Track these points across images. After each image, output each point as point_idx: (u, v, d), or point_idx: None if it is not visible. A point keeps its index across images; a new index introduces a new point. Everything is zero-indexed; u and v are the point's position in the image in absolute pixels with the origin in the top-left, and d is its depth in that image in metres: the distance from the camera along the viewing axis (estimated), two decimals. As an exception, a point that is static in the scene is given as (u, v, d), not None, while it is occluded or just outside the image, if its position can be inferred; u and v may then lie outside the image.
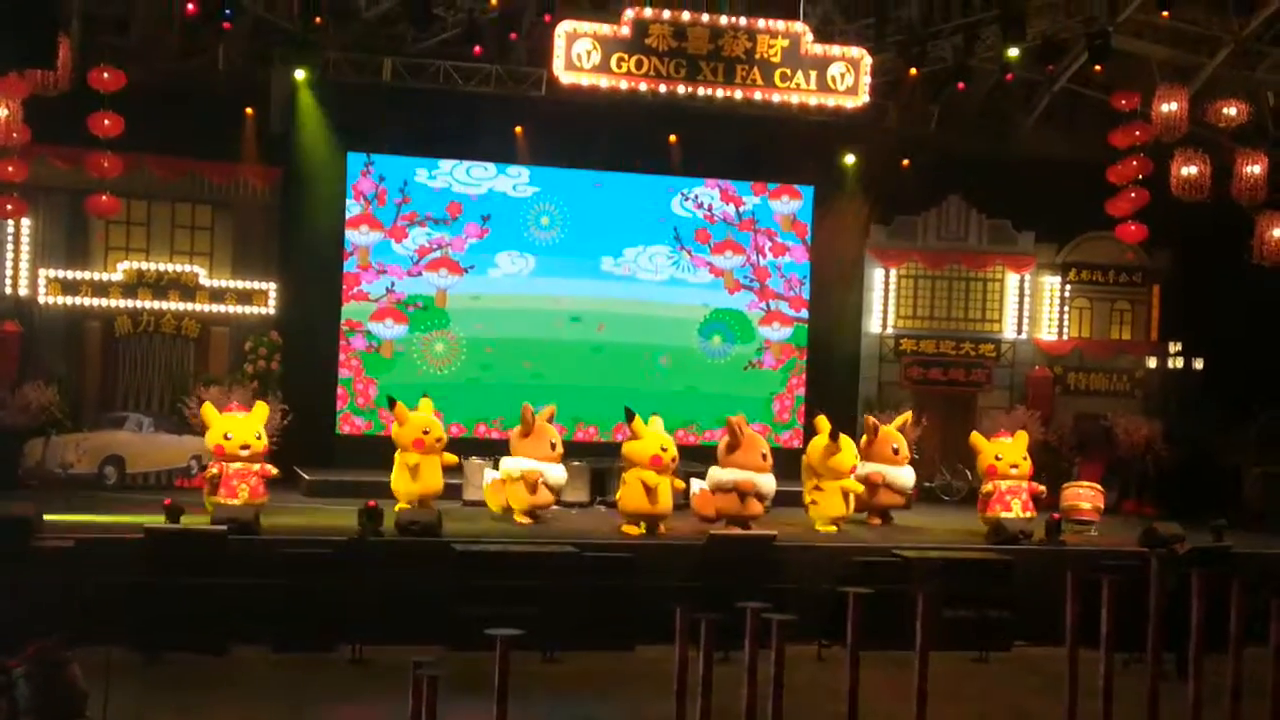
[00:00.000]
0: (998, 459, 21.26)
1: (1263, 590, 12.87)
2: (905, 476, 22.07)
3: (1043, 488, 21.61)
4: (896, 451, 21.87)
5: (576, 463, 22.50)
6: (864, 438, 22.00)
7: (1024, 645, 17.92)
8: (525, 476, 20.12)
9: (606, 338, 27.63)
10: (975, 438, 22.06)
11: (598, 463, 23.42)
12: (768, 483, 20.30)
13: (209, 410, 19.65)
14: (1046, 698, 13.08)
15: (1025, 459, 21.43)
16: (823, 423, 21.23)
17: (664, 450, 19.91)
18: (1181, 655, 13.18)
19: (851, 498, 21.21)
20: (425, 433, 20.25)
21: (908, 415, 23.61)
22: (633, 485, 19.80)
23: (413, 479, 20.06)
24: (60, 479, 22.12)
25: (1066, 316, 29.19)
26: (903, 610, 12.22)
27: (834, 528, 20.82)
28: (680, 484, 20.54)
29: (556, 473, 20.54)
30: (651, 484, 19.56)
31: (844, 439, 21.23)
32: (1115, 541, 21.02)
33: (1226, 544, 18.68)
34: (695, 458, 22.88)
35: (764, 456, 20.49)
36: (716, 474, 20.40)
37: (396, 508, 19.37)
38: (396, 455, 20.49)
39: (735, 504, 20.04)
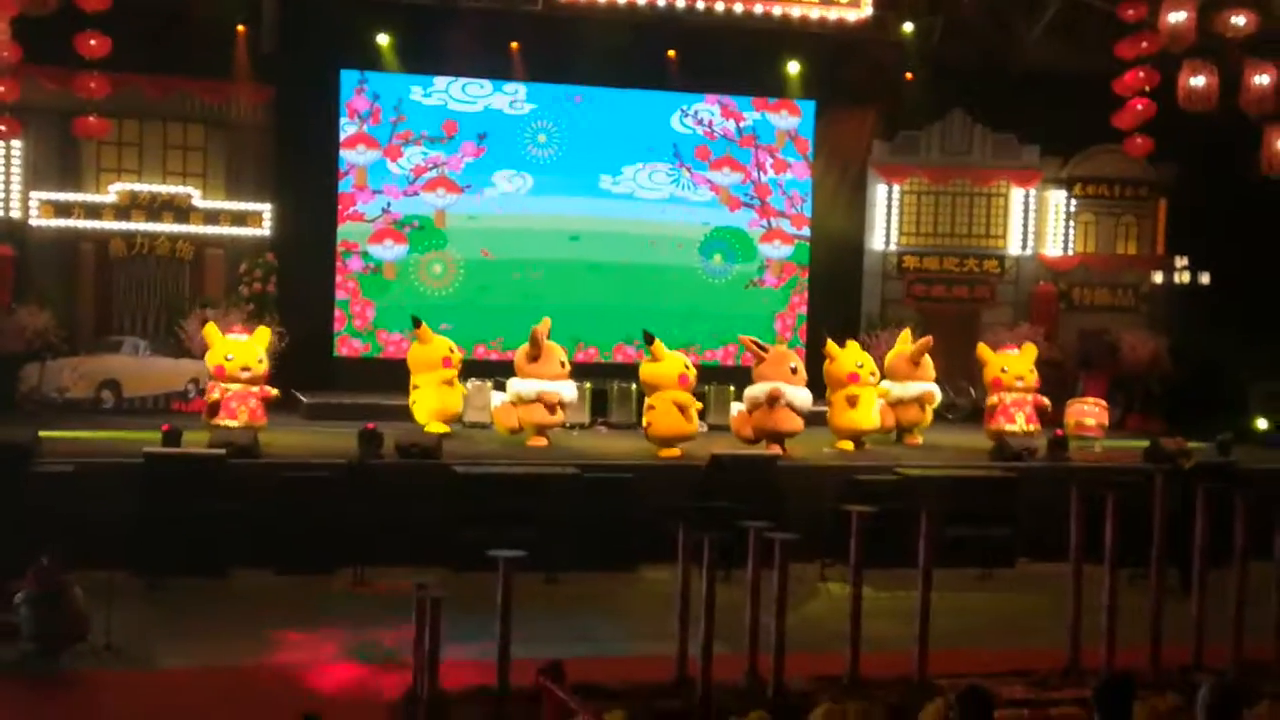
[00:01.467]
0: (1004, 371, 21.14)
1: (1267, 504, 12.82)
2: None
3: (1047, 401, 21.47)
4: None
5: (577, 383, 22.35)
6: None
7: (1028, 562, 17.87)
8: (543, 397, 19.96)
9: (605, 257, 27.39)
10: (982, 349, 21.94)
11: (598, 383, 23.30)
12: (800, 394, 19.98)
13: (212, 330, 19.50)
14: (1050, 614, 13.03)
15: (1032, 372, 21.29)
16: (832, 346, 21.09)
17: (687, 368, 19.70)
18: (1185, 570, 13.15)
19: (874, 406, 20.90)
20: (452, 350, 20.27)
21: (906, 333, 23.27)
22: (664, 408, 19.42)
23: (438, 401, 19.95)
24: (57, 403, 22.07)
25: (1072, 231, 28.96)
26: (906, 529, 12.13)
27: (850, 444, 20.66)
28: (699, 404, 20.32)
29: (568, 392, 20.43)
30: (684, 404, 19.38)
31: (851, 344, 21.13)
32: (1119, 457, 20.95)
33: (1231, 458, 18.60)
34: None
35: (793, 370, 20.20)
36: (751, 391, 20.09)
37: (429, 427, 19.25)
38: (420, 377, 20.32)
39: (770, 418, 19.73)
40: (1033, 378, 21.26)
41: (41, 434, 17.06)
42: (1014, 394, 21.02)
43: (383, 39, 25.45)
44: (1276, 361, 25.16)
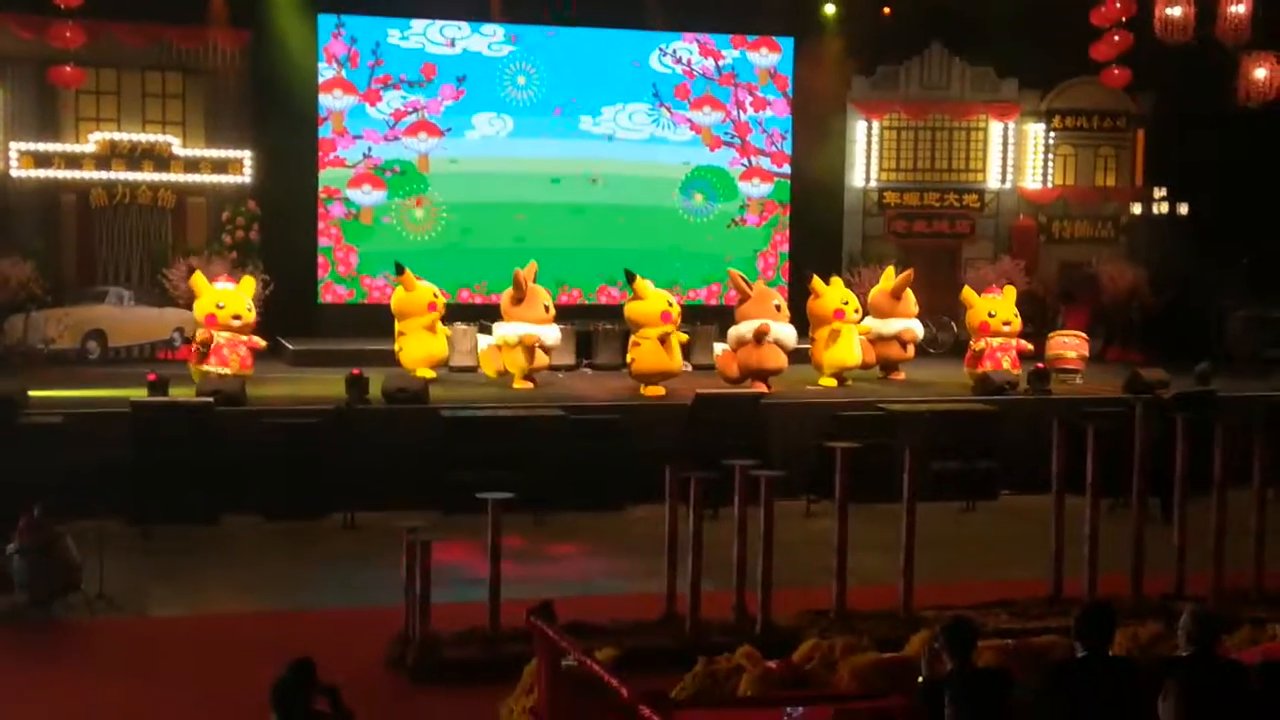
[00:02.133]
0: (990, 315, 21.11)
1: (1246, 432, 12.99)
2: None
3: (1030, 345, 21.56)
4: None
5: (561, 326, 22.40)
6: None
7: (1010, 494, 18.05)
8: (524, 340, 20.02)
9: (588, 198, 27.36)
10: (967, 293, 21.89)
11: (582, 325, 23.33)
12: (786, 331, 19.95)
13: (200, 279, 19.55)
14: (1034, 544, 13.21)
15: (1016, 315, 21.35)
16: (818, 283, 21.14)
17: (670, 305, 19.71)
18: (1166, 499, 13.33)
19: (855, 341, 20.94)
20: (436, 295, 20.25)
21: (890, 270, 23.28)
22: (647, 345, 19.44)
23: (423, 347, 19.99)
24: (43, 355, 22.05)
25: (1051, 164, 29.01)
26: (889, 463, 12.29)
27: (834, 381, 20.77)
28: (685, 336, 20.35)
29: (553, 335, 20.47)
30: (668, 338, 19.40)
31: (835, 281, 21.21)
32: (1100, 389, 21.09)
33: (1211, 388, 18.75)
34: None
35: (778, 307, 20.19)
36: (735, 330, 20.07)
37: (419, 372, 19.31)
38: (404, 324, 20.30)
39: (755, 355, 19.65)
40: (1017, 322, 21.32)
41: (30, 392, 17.03)
42: (999, 339, 21.05)
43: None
44: (1255, 289, 25.35)
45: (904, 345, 21.99)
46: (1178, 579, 12.29)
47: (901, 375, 22.22)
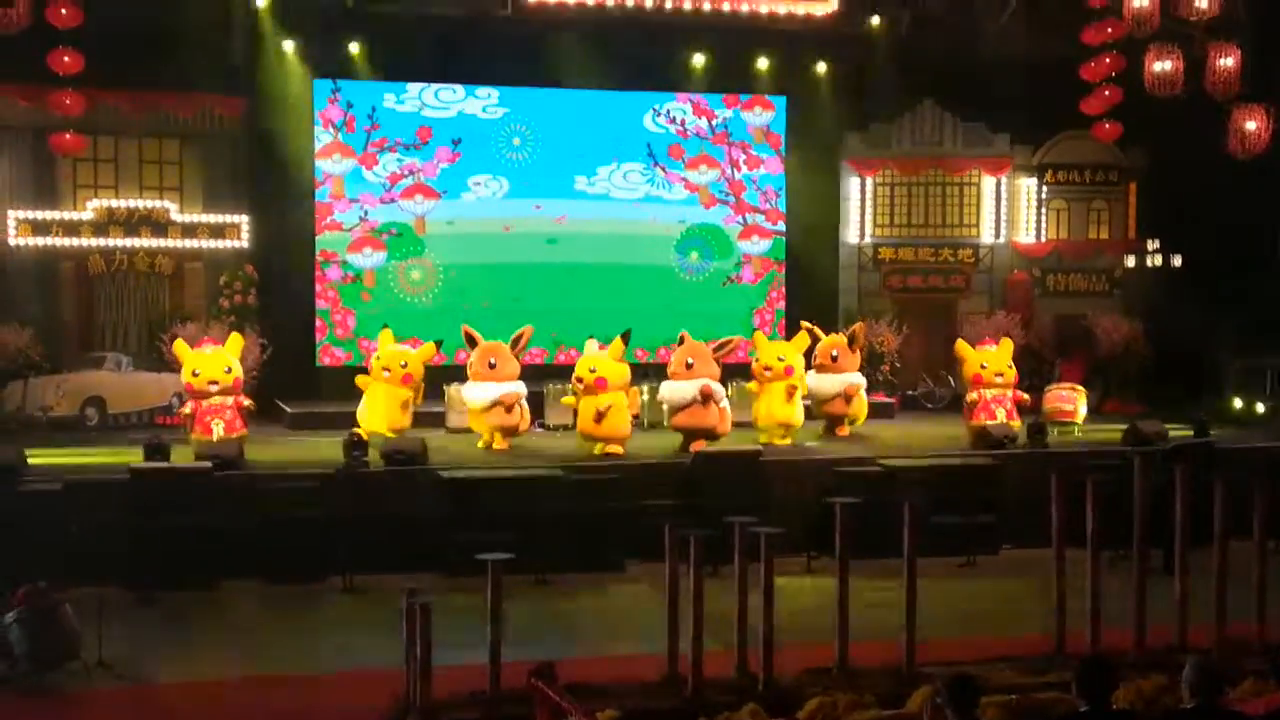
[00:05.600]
0: (983, 367, 21.18)
1: (1244, 483, 12.98)
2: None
3: (1026, 396, 21.61)
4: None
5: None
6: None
7: (1011, 548, 18.00)
8: (503, 400, 20.00)
9: (583, 258, 27.45)
10: (960, 346, 21.95)
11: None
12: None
13: (180, 347, 19.59)
14: (1036, 598, 13.17)
15: (1010, 367, 21.38)
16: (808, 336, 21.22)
17: (592, 371, 19.53)
18: (1167, 550, 13.30)
19: (795, 400, 20.80)
20: (404, 364, 20.12)
21: (858, 326, 23.27)
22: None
23: (375, 408, 19.89)
24: (42, 421, 22.04)
25: (1044, 218, 29.15)
26: (889, 519, 12.26)
27: (782, 437, 20.59)
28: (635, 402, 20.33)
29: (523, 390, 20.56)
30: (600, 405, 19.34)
31: (797, 340, 21.35)
32: (1099, 441, 21.11)
33: (1209, 438, 18.76)
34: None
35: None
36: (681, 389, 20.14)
37: (373, 432, 19.17)
38: (368, 383, 20.27)
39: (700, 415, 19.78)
40: (1012, 373, 21.37)
41: (29, 458, 17.01)
42: (994, 390, 21.10)
43: (354, 47, 25.48)
44: (1250, 340, 25.39)
45: (848, 400, 21.92)
46: (1181, 631, 12.24)
47: (846, 431, 22.08)
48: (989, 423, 20.62)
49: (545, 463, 18.65)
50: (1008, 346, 21.79)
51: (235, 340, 19.94)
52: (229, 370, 19.13)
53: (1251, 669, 10.76)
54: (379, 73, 26.19)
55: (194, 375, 18.98)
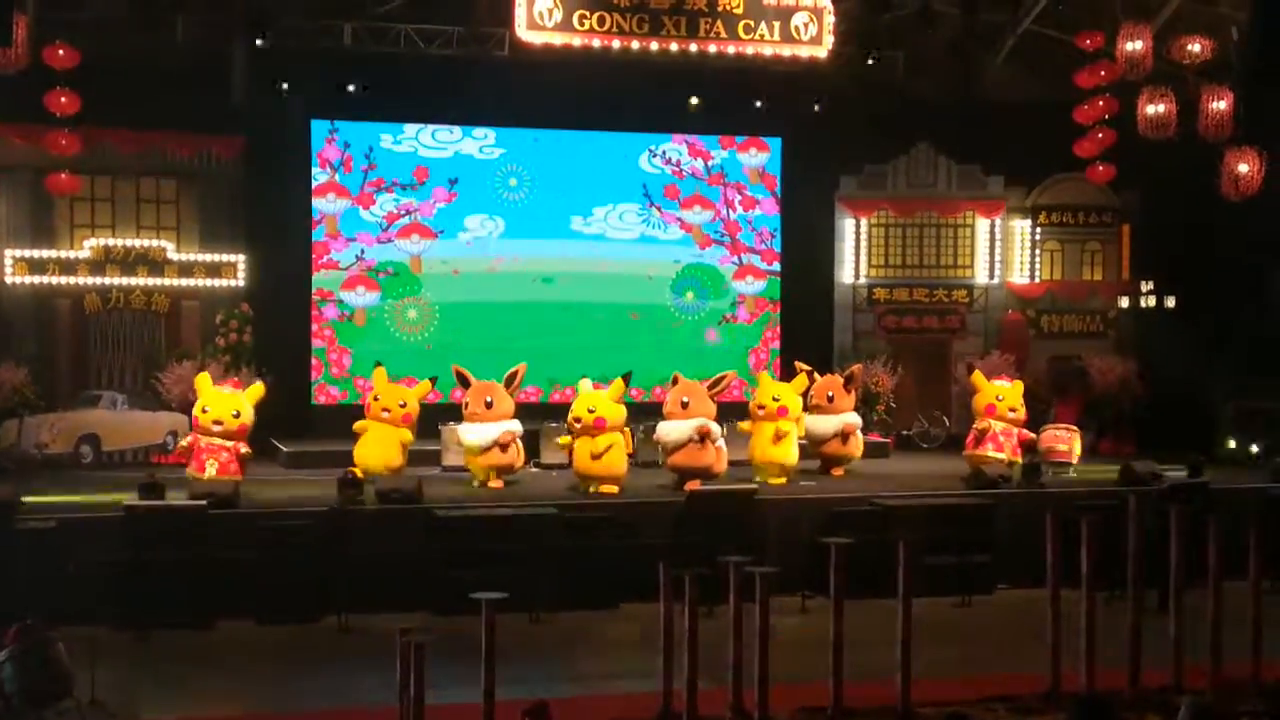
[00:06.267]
0: (999, 399, 21.35)
1: (1239, 524, 13.01)
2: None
3: (1032, 435, 21.74)
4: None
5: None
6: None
7: (1006, 588, 18.01)
8: (500, 440, 20.06)
9: (578, 297, 27.53)
10: (977, 376, 22.01)
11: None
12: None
13: (203, 381, 19.53)
14: (1031, 637, 13.16)
15: (1021, 405, 21.52)
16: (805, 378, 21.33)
17: (590, 411, 19.68)
18: (1162, 591, 13.31)
19: (790, 441, 20.88)
20: (402, 404, 20.21)
21: (856, 368, 23.45)
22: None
23: (368, 447, 19.95)
24: (37, 460, 22.02)
25: (1038, 259, 29.24)
26: (884, 559, 12.27)
27: (778, 476, 20.66)
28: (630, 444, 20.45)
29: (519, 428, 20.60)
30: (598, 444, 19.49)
31: (796, 381, 21.44)
32: (1093, 481, 21.13)
33: (1203, 479, 18.78)
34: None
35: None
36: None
37: (366, 470, 19.21)
38: (364, 424, 20.35)
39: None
40: (1023, 411, 21.51)
41: (24, 497, 16.98)
42: (1004, 424, 21.23)
43: (352, 88, 25.58)
44: (1244, 382, 25.44)
45: (845, 440, 21.98)
46: (1176, 671, 12.24)
47: (841, 471, 22.16)
48: (993, 454, 20.74)
49: (540, 501, 18.67)
50: (1019, 387, 21.91)
51: (257, 388, 19.71)
52: (237, 415, 18.96)
53: (1246, 710, 10.78)
54: (376, 113, 26.32)
55: (203, 411, 18.98)
